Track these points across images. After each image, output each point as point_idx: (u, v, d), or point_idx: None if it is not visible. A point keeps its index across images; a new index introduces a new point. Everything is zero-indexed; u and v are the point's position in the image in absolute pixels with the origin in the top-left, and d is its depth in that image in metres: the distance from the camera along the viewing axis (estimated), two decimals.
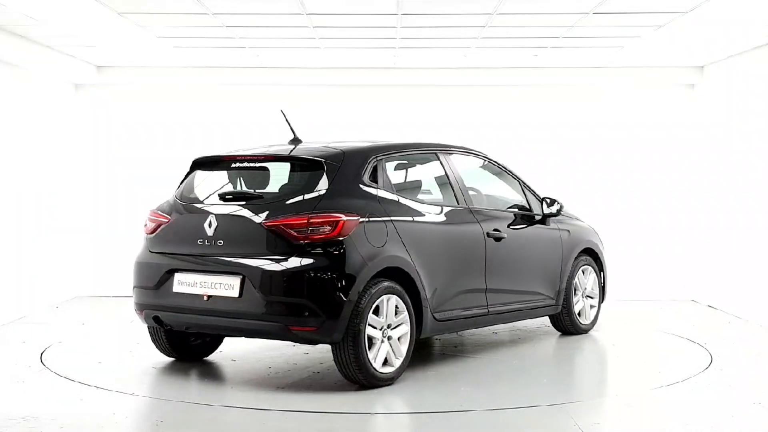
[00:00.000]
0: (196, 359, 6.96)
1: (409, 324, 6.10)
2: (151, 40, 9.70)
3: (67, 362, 6.81)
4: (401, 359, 6.08)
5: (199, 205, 6.27)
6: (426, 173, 7.01)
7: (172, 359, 6.89)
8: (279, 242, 5.77)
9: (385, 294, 5.95)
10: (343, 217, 5.80)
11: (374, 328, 5.89)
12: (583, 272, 8.07)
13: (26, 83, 10.24)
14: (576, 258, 7.92)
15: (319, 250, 5.73)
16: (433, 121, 11.38)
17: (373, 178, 6.25)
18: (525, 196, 7.62)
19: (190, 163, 6.69)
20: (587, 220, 8.56)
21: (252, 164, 6.35)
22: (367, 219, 5.95)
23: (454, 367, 6.76)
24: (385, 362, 6.00)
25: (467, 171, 7.40)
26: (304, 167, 6.15)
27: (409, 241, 6.17)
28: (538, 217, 7.59)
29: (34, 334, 7.97)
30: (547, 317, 8.02)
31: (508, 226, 7.23)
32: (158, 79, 11.49)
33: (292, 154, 6.29)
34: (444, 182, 6.96)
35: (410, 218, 6.31)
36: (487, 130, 11.37)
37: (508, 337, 8.04)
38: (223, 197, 6.21)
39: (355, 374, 5.86)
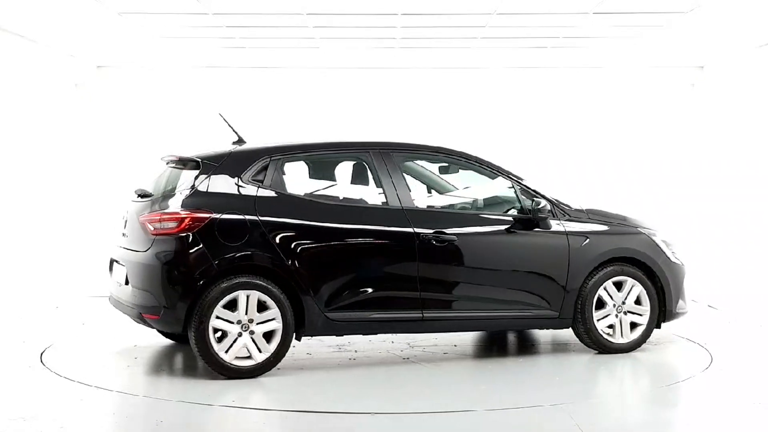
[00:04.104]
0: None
1: (281, 321, 6.23)
2: (151, 40, 9.71)
3: (67, 362, 6.81)
4: (267, 354, 6.22)
5: (132, 202, 6.84)
6: (347, 173, 6.92)
7: (171, 359, 6.93)
8: (145, 237, 6.32)
9: (243, 289, 6.15)
10: (191, 215, 6.12)
11: (228, 321, 6.13)
12: (618, 284, 7.12)
13: (26, 83, 10.24)
14: (600, 266, 7.09)
15: (167, 245, 6.16)
16: (433, 120, 11.39)
17: (260, 177, 6.41)
18: (518, 197, 6.98)
19: None
20: (654, 225, 7.56)
21: (169, 165, 6.85)
22: (221, 217, 6.17)
23: (454, 367, 6.77)
24: (250, 356, 6.20)
25: (454, 171, 7.26)
26: (189, 167, 6.52)
27: (285, 241, 6.27)
28: (533, 220, 6.90)
29: (34, 334, 7.97)
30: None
31: (477, 228, 6.81)
32: (158, 79, 11.49)
33: (180, 155, 6.65)
34: (377, 182, 6.74)
35: (297, 218, 6.37)
36: (486, 129, 11.37)
37: (518, 341, 8.03)
38: (137, 195, 6.77)
39: (205, 364, 6.18)
